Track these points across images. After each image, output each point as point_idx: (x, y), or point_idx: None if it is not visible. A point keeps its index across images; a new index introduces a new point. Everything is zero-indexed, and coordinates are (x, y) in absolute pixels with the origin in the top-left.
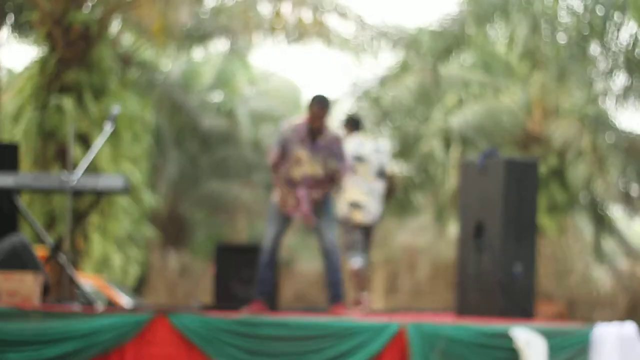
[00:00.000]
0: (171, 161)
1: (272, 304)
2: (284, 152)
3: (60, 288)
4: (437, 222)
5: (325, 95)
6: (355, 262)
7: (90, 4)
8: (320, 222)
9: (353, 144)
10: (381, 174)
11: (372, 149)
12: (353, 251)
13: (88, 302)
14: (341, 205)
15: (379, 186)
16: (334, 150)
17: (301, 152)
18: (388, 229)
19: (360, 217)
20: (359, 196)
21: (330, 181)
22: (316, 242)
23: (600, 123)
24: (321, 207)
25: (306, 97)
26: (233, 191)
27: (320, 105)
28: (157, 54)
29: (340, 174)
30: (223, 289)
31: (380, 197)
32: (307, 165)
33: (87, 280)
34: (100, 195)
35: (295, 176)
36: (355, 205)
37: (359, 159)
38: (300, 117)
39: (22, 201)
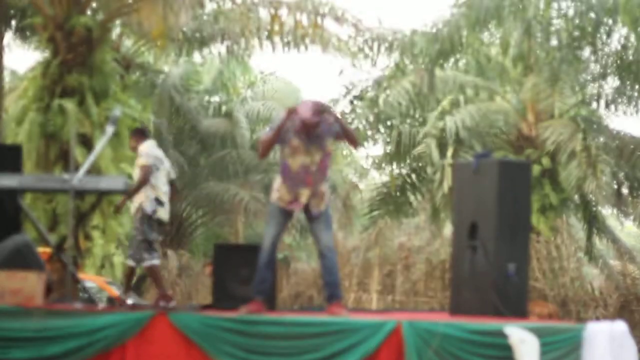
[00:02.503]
0: (170, 162)
1: (270, 303)
2: (282, 138)
3: (62, 287)
4: (433, 223)
5: (319, 102)
6: (156, 260)
7: (92, 9)
8: (317, 224)
9: (150, 147)
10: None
11: (163, 155)
12: (153, 250)
13: (89, 301)
14: (146, 200)
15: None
16: (334, 130)
17: (296, 141)
18: (384, 229)
19: (163, 214)
20: (162, 194)
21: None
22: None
23: (592, 125)
24: (319, 208)
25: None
26: (231, 192)
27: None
28: (157, 57)
29: (351, 134)
30: (221, 289)
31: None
32: (303, 154)
33: (89, 280)
34: (101, 196)
35: (292, 165)
36: (159, 202)
37: (160, 160)
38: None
39: (25, 202)
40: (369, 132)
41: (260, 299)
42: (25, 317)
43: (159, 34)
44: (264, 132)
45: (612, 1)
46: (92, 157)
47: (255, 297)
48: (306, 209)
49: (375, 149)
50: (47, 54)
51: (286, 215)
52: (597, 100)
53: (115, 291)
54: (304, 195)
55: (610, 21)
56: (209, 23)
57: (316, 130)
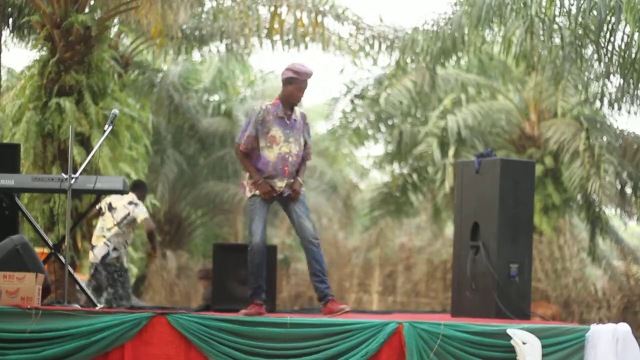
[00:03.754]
0: (169, 161)
1: (270, 304)
2: (258, 136)
3: (60, 288)
4: (434, 223)
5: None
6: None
7: (90, 7)
8: (295, 211)
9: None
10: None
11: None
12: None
13: (87, 302)
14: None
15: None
16: (304, 126)
17: (276, 131)
18: (385, 229)
19: (90, 256)
20: (94, 238)
21: (303, 157)
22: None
23: (595, 124)
24: (297, 197)
25: (286, 73)
26: (231, 191)
27: (308, 78)
28: (155, 56)
29: (309, 149)
30: (221, 289)
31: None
32: (281, 144)
33: (87, 281)
34: (99, 196)
35: (270, 157)
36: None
37: (107, 204)
38: (271, 100)
39: (23, 201)
40: (370, 132)
41: (260, 301)
42: (22, 318)
43: (157, 32)
44: (241, 135)
45: None
46: (90, 157)
47: (256, 299)
48: (280, 195)
49: (376, 148)
50: (44, 52)
51: (265, 205)
52: (601, 99)
53: None
54: (279, 185)
55: (614, 19)
56: (208, 21)
57: (292, 112)
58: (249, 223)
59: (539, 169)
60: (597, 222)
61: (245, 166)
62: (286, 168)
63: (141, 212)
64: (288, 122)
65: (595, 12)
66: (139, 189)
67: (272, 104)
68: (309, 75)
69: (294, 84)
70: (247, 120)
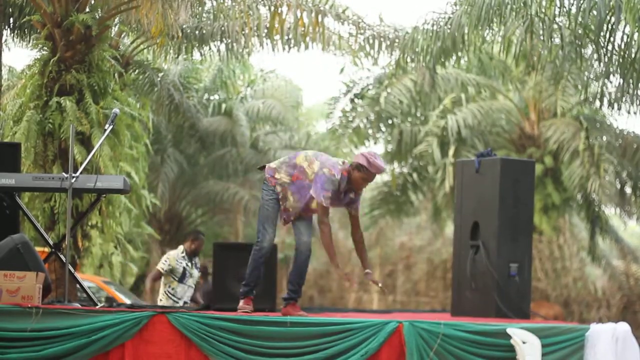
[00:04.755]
0: (170, 161)
1: (270, 303)
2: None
3: (60, 287)
4: (434, 222)
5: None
6: None
7: (90, 6)
8: (303, 221)
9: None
10: None
11: None
12: None
13: (88, 301)
14: None
15: None
16: (356, 196)
17: (331, 196)
18: (385, 228)
19: None
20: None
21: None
22: (316, 243)
23: (595, 124)
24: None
25: (359, 158)
26: (231, 191)
27: (378, 173)
28: (156, 55)
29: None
30: (221, 288)
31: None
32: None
33: (87, 279)
34: (100, 195)
35: (310, 202)
36: None
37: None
38: (340, 168)
39: (23, 200)
40: (370, 131)
41: (252, 297)
42: (22, 317)
43: (158, 31)
44: (321, 194)
45: None
46: (90, 156)
47: (248, 295)
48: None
49: (376, 147)
50: (45, 51)
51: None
52: (600, 99)
53: (114, 291)
54: (293, 215)
55: (614, 19)
56: (208, 21)
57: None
58: (261, 220)
59: (538, 168)
60: (596, 222)
61: (329, 245)
62: (309, 213)
63: (161, 262)
64: (342, 196)
65: (595, 12)
66: (189, 237)
67: (340, 173)
68: (380, 171)
69: (362, 173)
70: (322, 181)
